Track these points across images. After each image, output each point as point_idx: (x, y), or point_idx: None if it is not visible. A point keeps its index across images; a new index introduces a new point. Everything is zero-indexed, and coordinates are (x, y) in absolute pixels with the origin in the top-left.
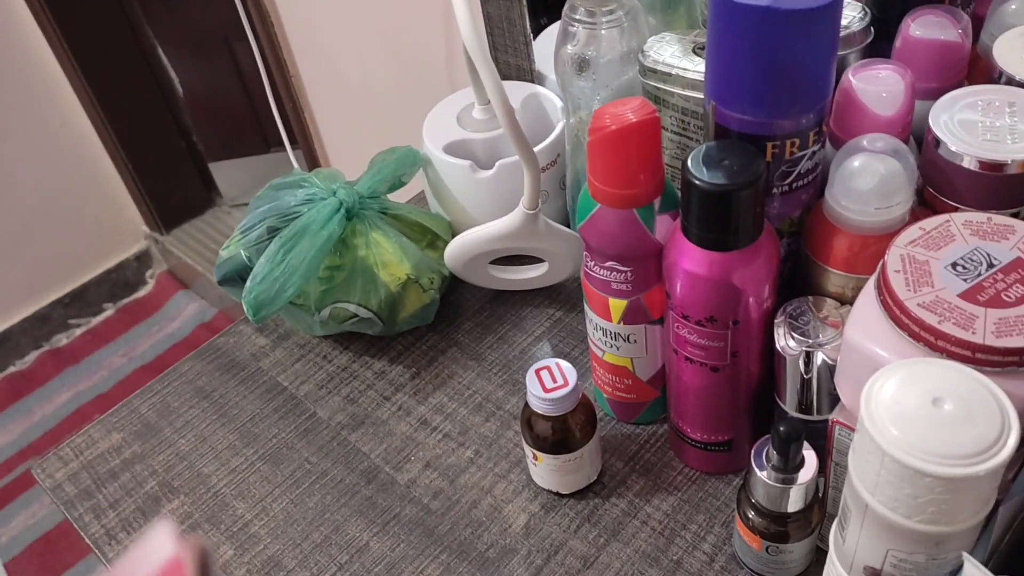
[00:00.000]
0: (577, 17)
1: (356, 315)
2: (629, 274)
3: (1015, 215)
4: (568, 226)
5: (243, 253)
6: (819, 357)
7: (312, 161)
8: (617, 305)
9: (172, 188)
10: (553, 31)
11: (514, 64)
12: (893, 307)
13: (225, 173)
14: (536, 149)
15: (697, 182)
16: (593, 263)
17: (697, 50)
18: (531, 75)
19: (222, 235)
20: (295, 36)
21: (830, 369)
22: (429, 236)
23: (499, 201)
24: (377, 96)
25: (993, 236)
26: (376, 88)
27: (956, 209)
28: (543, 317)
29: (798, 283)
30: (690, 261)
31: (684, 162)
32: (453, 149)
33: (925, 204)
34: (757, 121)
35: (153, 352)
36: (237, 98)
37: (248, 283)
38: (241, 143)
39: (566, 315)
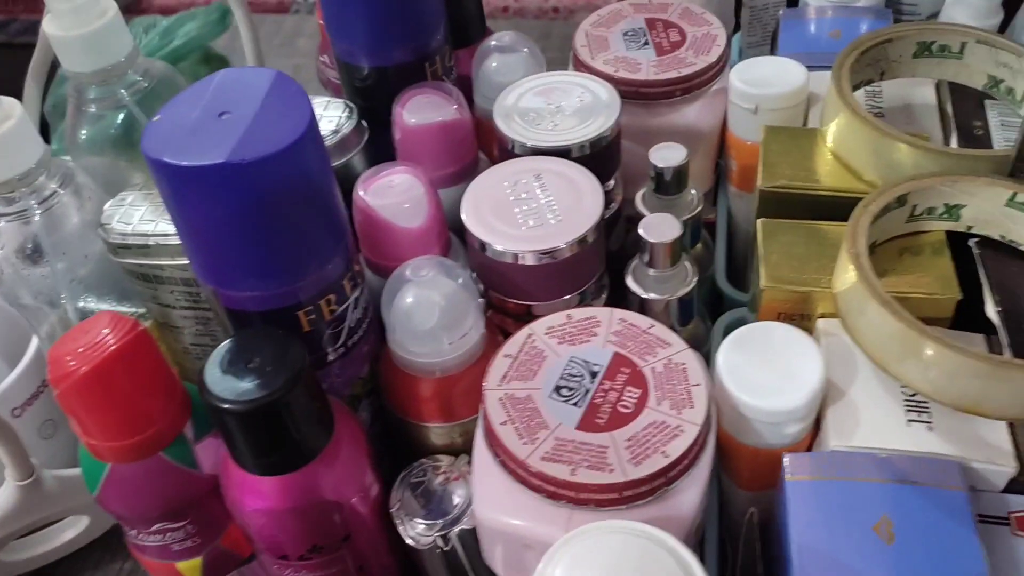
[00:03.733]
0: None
1: None
2: (189, 527)
3: (582, 296)
4: None
5: None
6: (457, 530)
7: None
8: (191, 567)
9: None
10: None
11: None
12: (516, 469)
13: None
14: (5, 384)
15: (227, 406)
16: (136, 532)
17: None
18: None
19: None
20: None
21: (476, 539)
22: None
23: None
24: None
25: (580, 337)
26: None
27: (527, 308)
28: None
29: (399, 444)
30: (259, 497)
31: (201, 380)
32: None
33: (494, 307)
34: (275, 294)
35: None
36: None
37: None
38: None
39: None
